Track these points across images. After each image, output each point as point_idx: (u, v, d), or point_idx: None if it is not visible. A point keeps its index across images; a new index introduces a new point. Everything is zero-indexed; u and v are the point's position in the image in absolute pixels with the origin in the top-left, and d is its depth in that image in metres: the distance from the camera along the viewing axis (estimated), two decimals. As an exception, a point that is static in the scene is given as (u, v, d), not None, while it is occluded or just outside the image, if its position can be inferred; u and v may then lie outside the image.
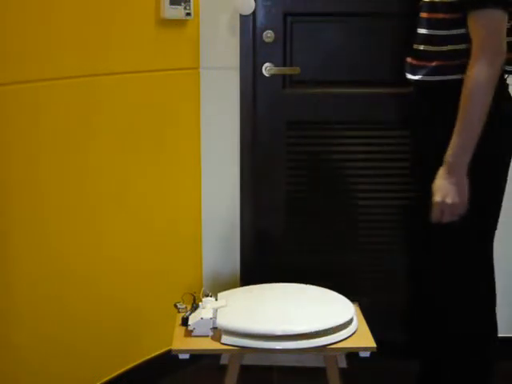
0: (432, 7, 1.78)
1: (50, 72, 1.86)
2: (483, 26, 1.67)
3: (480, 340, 1.95)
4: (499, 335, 1.99)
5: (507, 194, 1.88)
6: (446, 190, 1.73)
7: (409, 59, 1.90)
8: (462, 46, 1.74)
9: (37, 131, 1.85)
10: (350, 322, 1.84)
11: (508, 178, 1.88)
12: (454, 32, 1.75)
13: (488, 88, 1.67)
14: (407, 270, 2.40)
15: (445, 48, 1.77)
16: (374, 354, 1.82)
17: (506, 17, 1.67)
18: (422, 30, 1.83)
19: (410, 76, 1.89)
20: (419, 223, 2.01)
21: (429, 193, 1.79)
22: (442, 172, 1.74)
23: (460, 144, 1.70)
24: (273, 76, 2.33)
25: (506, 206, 1.90)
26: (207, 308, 1.85)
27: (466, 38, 1.73)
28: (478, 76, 1.66)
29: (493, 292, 1.95)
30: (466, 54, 1.72)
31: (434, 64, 1.79)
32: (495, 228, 1.90)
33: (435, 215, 1.77)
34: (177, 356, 1.80)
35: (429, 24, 1.80)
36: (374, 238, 2.44)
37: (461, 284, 1.91)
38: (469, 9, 1.68)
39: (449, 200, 1.72)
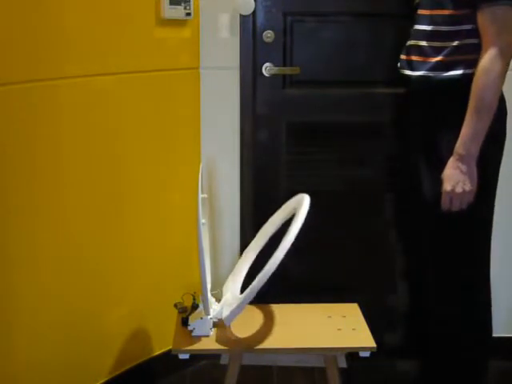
0: (436, 4, 1.78)
1: (49, 72, 1.86)
2: (494, 21, 1.69)
3: (475, 340, 1.96)
4: (499, 335, 1.99)
5: (506, 194, 1.88)
6: (456, 179, 1.77)
7: (406, 56, 1.90)
8: (467, 42, 1.76)
9: (37, 131, 1.85)
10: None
11: (507, 178, 1.88)
12: (460, 28, 1.76)
13: (498, 82, 1.71)
14: (406, 271, 2.40)
15: (449, 44, 1.78)
16: (374, 353, 1.82)
17: None
18: (422, 27, 1.83)
19: (409, 72, 1.88)
20: (412, 221, 2.04)
21: (420, 193, 1.84)
22: (452, 162, 1.77)
23: (470, 135, 1.74)
24: (273, 76, 2.33)
25: (504, 204, 1.90)
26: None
27: (471, 34, 1.74)
28: (488, 71, 1.70)
29: (488, 292, 1.96)
30: (470, 50, 1.74)
31: (437, 59, 1.80)
32: (491, 224, 1.92)
33: (444, 204, 1.80)
34: (177, 356, 1.80)
35: (432, 20, 1.80)
36: (374, 238, 2.44)
37: (458, 283, 1.92)
38: (480, 5, 1.70)
39: (459, 189, 1.76)
